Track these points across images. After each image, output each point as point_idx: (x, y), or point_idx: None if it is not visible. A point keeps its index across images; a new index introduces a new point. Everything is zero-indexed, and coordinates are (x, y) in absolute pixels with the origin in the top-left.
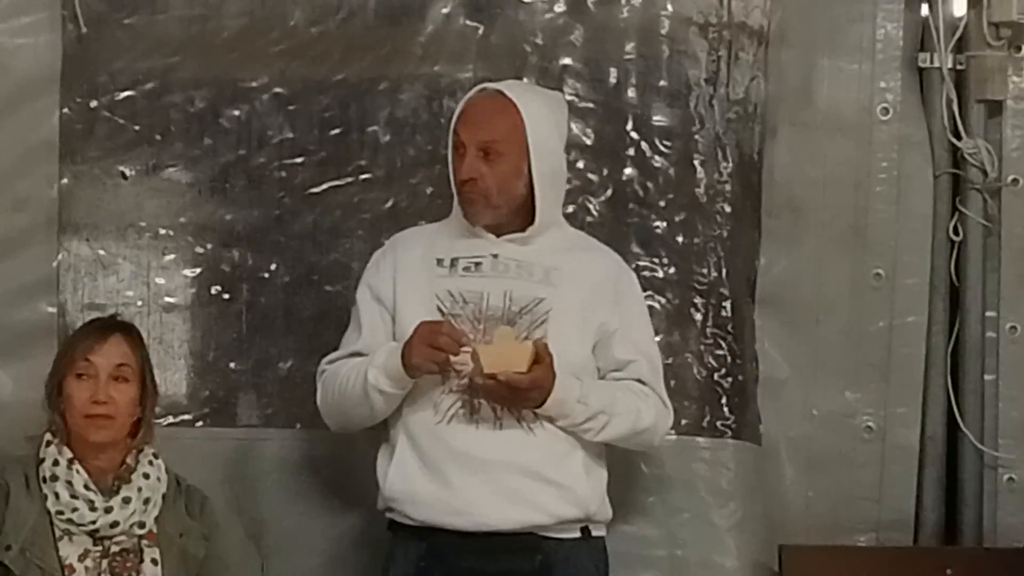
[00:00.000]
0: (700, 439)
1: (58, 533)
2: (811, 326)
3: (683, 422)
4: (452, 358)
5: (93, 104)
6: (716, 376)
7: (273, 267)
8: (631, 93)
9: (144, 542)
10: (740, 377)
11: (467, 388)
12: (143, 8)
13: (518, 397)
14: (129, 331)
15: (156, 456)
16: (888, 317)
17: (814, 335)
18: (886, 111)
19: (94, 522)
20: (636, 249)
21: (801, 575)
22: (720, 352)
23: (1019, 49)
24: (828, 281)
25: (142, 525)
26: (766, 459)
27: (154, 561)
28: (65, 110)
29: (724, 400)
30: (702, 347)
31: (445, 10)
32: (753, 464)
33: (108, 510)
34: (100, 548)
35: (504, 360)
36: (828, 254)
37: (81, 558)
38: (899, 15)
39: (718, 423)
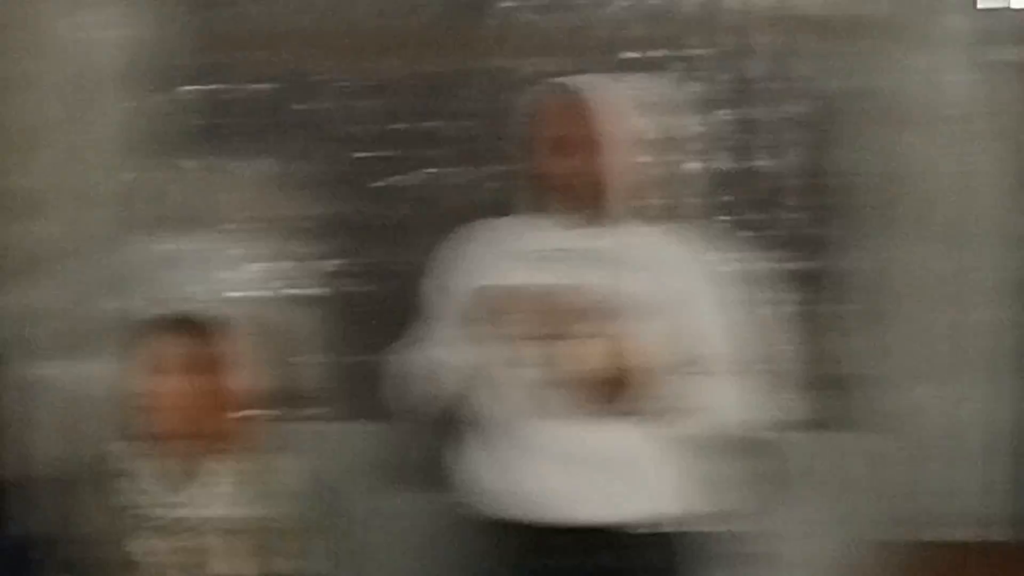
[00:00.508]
0: (801, 432)
1: (128, 526)
2: (917, 319)
3: (783, 415)
4: (523, 342)
5: (162, 98)
6: (823, 369)
7: (343, 262)
8: (693, 87)
9: (215, 536)
10: (845, 369)
11: (551, 383)
12: (212, 3)
13: (603, 393)
14: (197, 324)
15: (231, 448)
16: (987, 310)
17: (920, 328)
18: (957, 105)
19: (164, 515)
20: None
21: (902, 571)
22: (825, 344)
23: None
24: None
25: (213, 518)
26: (869, 452)
27: (224, 553)
28: (134, 104)
29: (831, 392)
30: (811, 338)
31: (511, 3)
32: (856, 457)
33: (179, 504)
34: (170, 541)
35: (587, 357)
36: (925, 249)
37: (150, 551)
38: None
39: (827, 415)
